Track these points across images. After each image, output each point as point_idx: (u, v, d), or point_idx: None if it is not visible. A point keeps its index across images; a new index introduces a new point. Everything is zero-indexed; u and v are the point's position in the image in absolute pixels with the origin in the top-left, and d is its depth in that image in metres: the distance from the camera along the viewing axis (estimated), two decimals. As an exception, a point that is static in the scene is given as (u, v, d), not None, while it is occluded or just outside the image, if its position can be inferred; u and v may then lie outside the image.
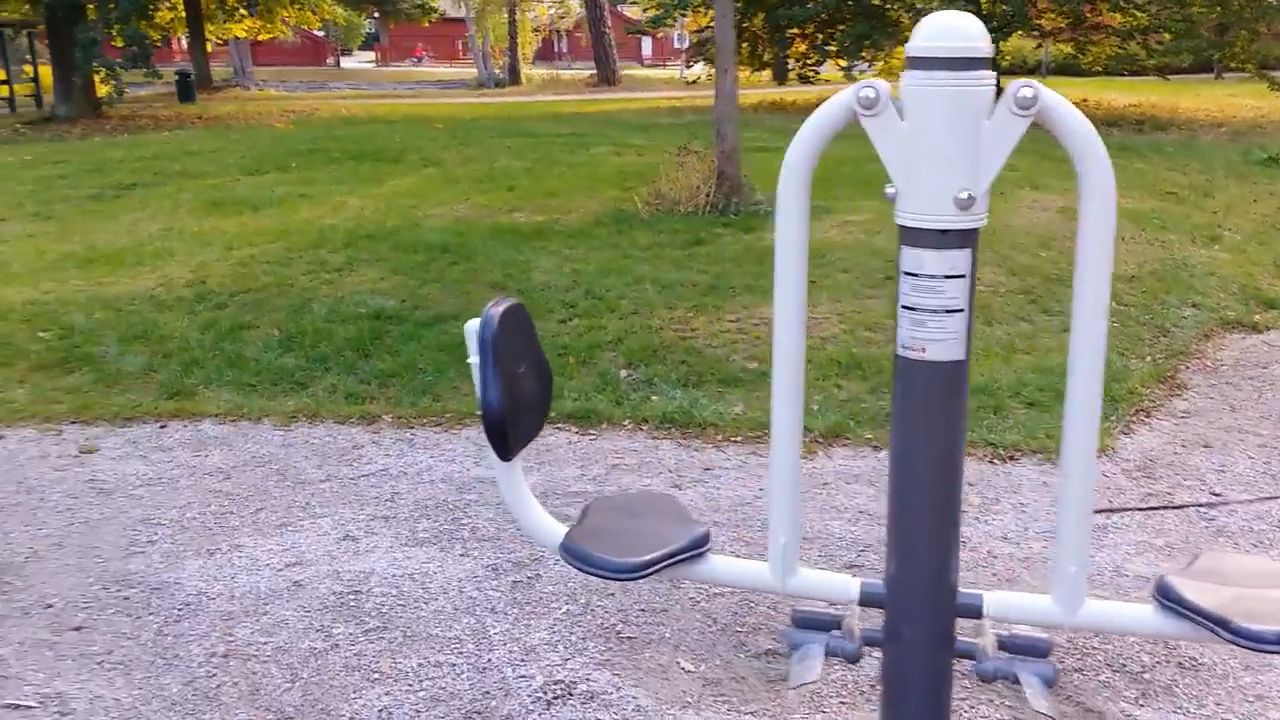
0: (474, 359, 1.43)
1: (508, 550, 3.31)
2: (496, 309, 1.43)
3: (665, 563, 1.44)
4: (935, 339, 1.28)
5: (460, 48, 55.19)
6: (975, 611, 1.39)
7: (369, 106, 23.12)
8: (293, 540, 3.37)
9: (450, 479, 3.87)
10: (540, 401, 1.56)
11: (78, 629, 2.86)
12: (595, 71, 34.21)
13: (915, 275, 1.27)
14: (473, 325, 1.44)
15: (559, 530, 1.54)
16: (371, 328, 5.45)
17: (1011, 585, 3.02)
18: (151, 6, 21.19)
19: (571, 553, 1.46)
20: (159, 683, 2.63)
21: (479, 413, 1.44)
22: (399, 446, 4.20)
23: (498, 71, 37.04)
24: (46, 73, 25.25)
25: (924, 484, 1.35)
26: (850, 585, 1.45)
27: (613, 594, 3.01)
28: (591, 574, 1.45)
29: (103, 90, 19.54)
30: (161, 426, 4.34)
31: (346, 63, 55.33)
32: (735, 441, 4.17)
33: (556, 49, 55.25)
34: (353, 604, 2.99)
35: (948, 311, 1.26)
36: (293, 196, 9.50)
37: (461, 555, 3.28)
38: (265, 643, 2.80)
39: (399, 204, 8.94)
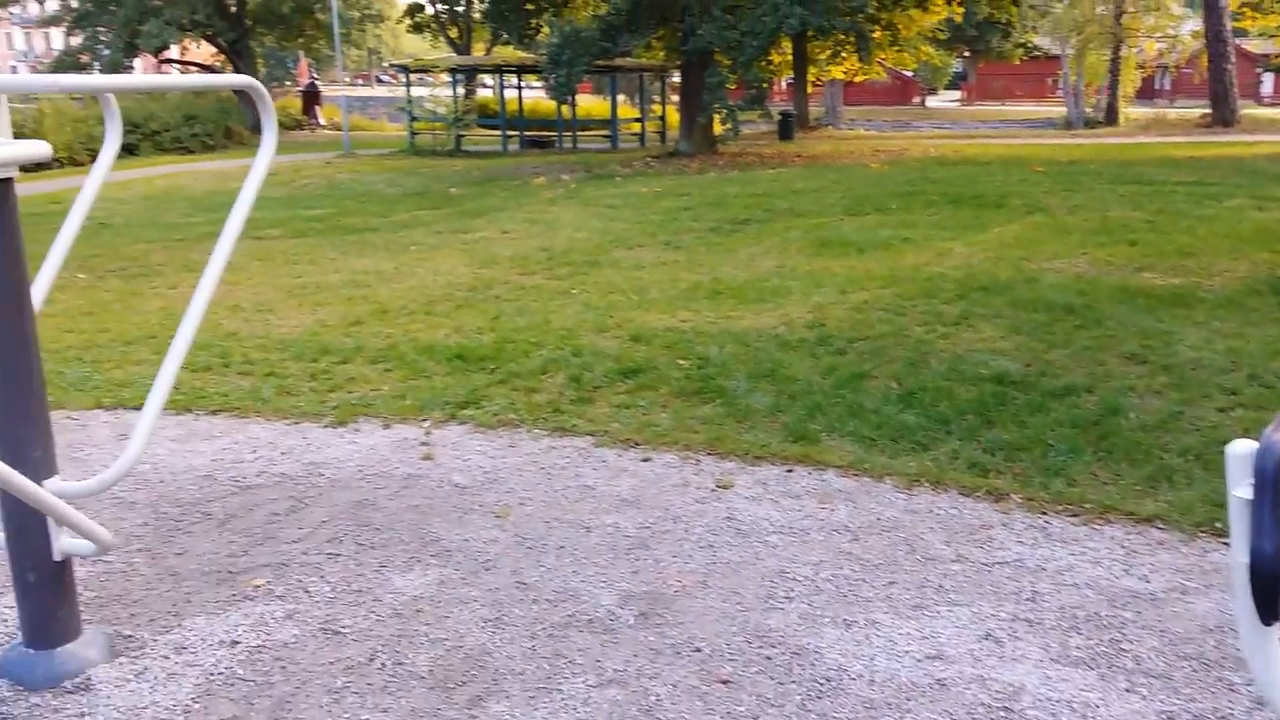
0: (1241, 493, 1.11)
1: (1185, 696, 2.79)
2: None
3: None
4: None
5: (1049, 86, 52.83)
6: None
7: (958, 146, 22.77)
8: (931, 628, 3.14)
9: (1098, 586, 3.41)
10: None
11: (725, 682, 2.87)
12: (1208, 111, 30.68)
13: None
14: (1242, 449, 1.10)
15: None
16: (994, 392, 5.12)
17: None
18: (771, 52, 22.70)
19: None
20: (807, 764, 2.52)
21: (1245, 561, 1.10)
22: (1032, 534, 3.81)
23: (1089, 110, 34.72)
24: (670, 111, 28.26)
25: None
26: None
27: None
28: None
29: (719, 129, 21.32)
30: (788, 470, 4.37)
31: (932, 102, 55.46)
32: None
33: (1158, 86, 50.71)
34: (1005, 721, 2.68)
35: None
36: (896, 240, 9.46)
37: (1126, 690, 2.82)
38: (913, 746, 2.59)
39: (1008, 254, 8.50)
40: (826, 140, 27.18)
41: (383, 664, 2.97)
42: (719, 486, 4.22)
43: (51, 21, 40.52)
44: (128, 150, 29.46)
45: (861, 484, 4.25)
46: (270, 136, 3.24)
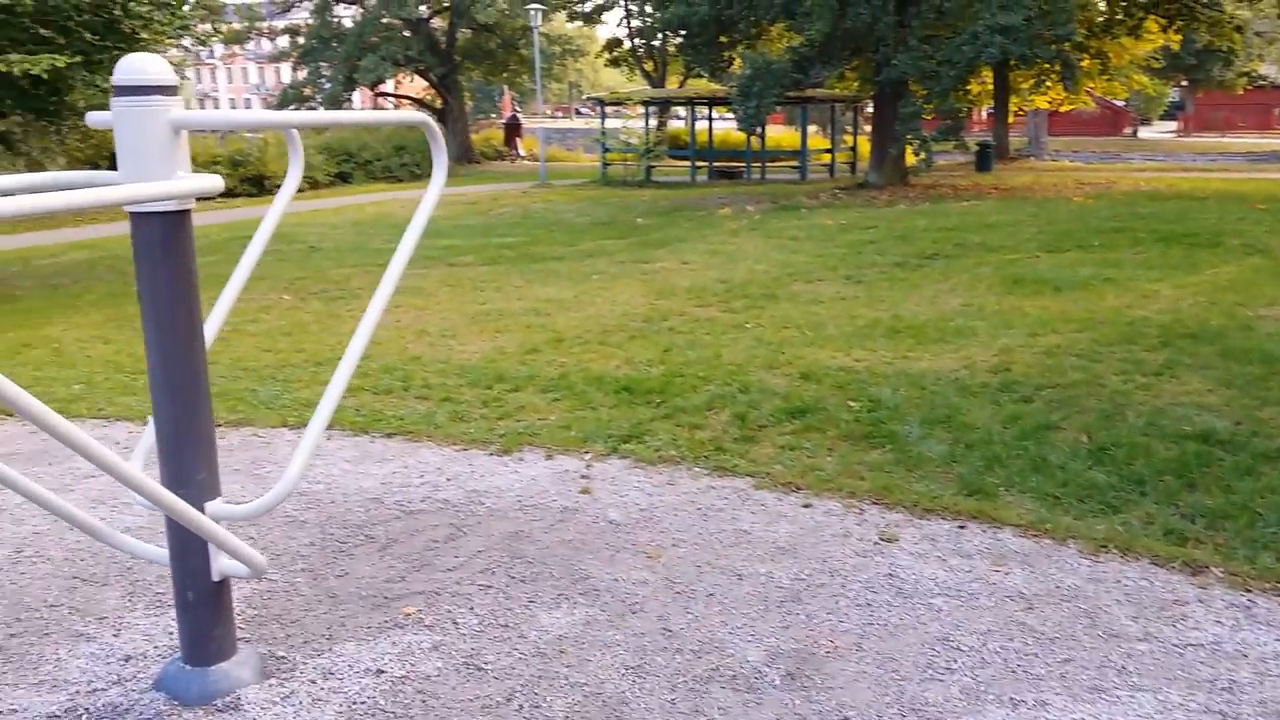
0: None
1: None
2: None
3: None
4: None
5: (1275, 117, 49.19)
6: None
7: (1172, 180, 21.36)
8: (1108, 714, 2.84)
9: (1311, 679, 3.01)
10: None
11: (874, 756, 2.68)
12: None
13: None
14: None
15: None
16: (1197, 452, 4.68)
17: None
18: (970, 81, 22.03)
19: None
20: None
21: None
22: (1233, 614, 3.42)
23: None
24: (862, 142, 27.82)
25: None
26: None
27: None
28: None
29: (911, 160, 20.78)
30: (960, 527, 4.10)
31: (1144, 133, 52.50)
32: None
33: None
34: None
35: None
36: (1096, 280, 8.90)
37: (1342, 806, 2.47)
38: None
39: (1221, 298, 7.85)
40: (1027, 172, 26.05)
41: (520, 705, 2.92)
42: (882, 540, 4.00)
43: (281, 57, 43.73)
44: (341, 178, 31.35)
45: (1041, 546, 3.94)
46: (440, 170, 3.29)
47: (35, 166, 15.27)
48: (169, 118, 2.63)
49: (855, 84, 27.62)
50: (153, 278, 2.74)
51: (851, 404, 5.57)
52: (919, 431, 5.10)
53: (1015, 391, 5.63)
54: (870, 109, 26.33)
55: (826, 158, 29.91)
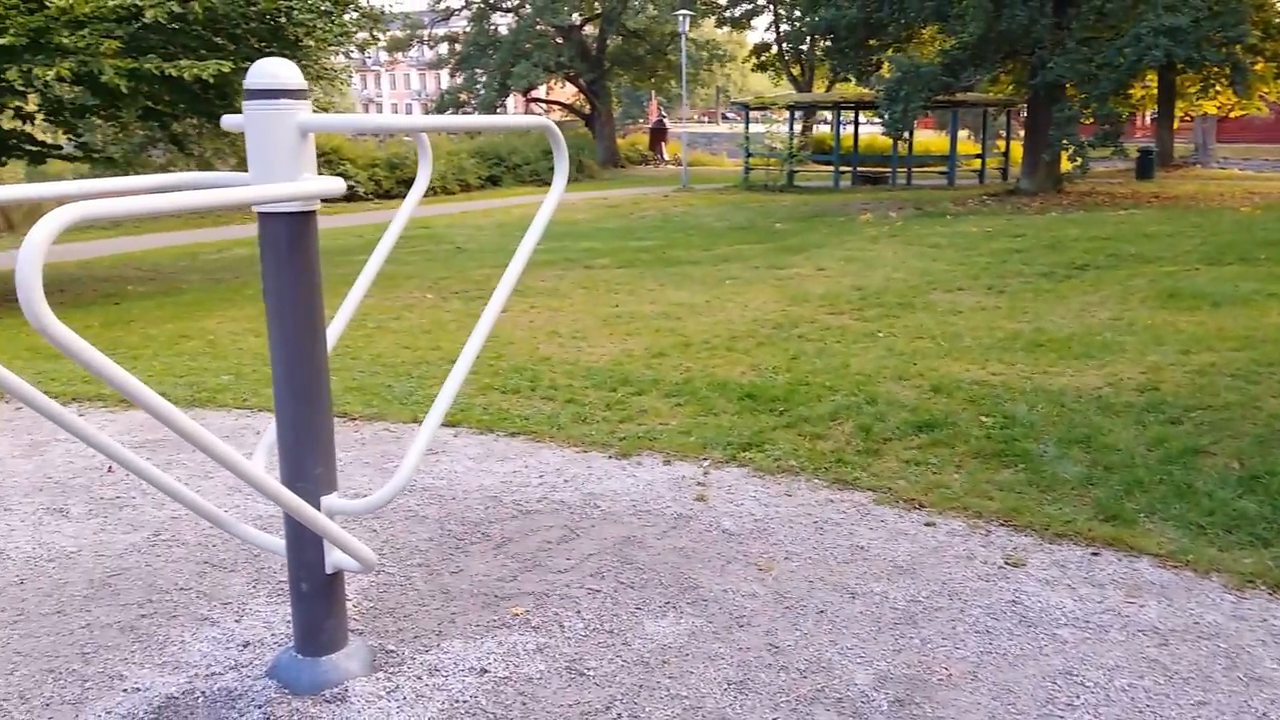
0: None
1: None
2: None
3: None
4: None
5: None
6: None
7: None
8: (1246, 765, 2.64)
9: None
10: None
11: (982, 791, 2.55)
12: None
13: None
14: None
15: None
16: (1365, 483, 4.31)
17: None
18: (1130, 85, 21.01)
19: None
20: None
21: None
22: (1398, 664, 3.14)
23: None
24: (1014, 148, 26.89)
25: None
26: None
27: None
28: None
29: (1066, 166, 19.97)
30: (1094, 554, 3.89)
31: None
32: None
33: None
34: None
35: None
36: (1260, 295, 8.35)
37: None
38: None
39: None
40: (1191, 180, 24.71)
41: (618, 714, 2.90)
42: (1008, 563, 3.82)
43: (440, 64, 45.20)
44: (492, 181, 32.16)
45: (1181, 578, 3.69)
46: (561, 175, 3.29)
47: (205, 166, 16.11)
48: (296, 120, 2.70)
49: (1009, 87, 26.74)
50: (277, 277, 2.83)
51: (984, 419, 5.36)
52: (1055, 451, 4.87)
53: (1162, 412, 5.32)
54: (1024, 113, 25.44)
55: (976, 163, 29.06)
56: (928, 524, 4.18)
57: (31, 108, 13.05)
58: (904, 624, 3.37)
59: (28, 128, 13.28)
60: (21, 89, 10.44)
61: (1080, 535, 4.03)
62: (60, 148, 13.52)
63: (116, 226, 22.11)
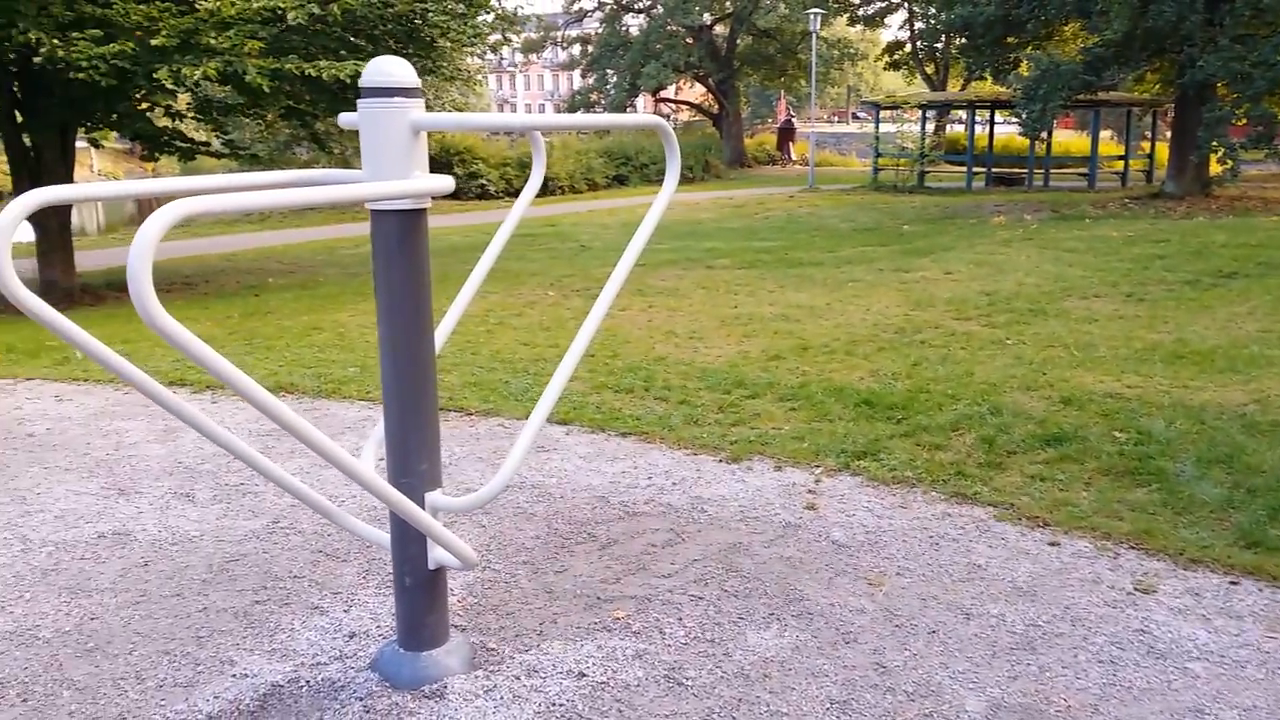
0: None
1: None
2: None
3: None
4: None
5: None
6: None
7: None
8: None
9: None
10: None
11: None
12: None
13: None
14: None
15: None
16: None
17: None
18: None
19: None
20: None
21: None
22: None
23: None
24: (1160, 149, 25.68)
25: None
26: None
27: None
28: None
29: (1215, 169, 18.97)
30: (1232, 583, 3.63)
31: None
32: None
33: None
34: None
35: None
36: None
37: None
38: None
39: None
40: (1359, 184, 23.16)
41: (715, 727, 2.83)
42: (1137, 589, 3.60)
43: (573, 65, 45.84)
44: (619, 180, 32.38)
45: (1330, 613, 3.42)
46: (673, 174, 3.25)
47: (342, 163, 16.65)
48: (409, 118, 2.72)
49: (1155, 86, 25.56)
50: (388, 273, 2.85)
51: (1117, 435, 5.09)
52: (1193, 471, 4.58)
53: (1315, 433, 4.96)
54: (1171, 113, 24.28)
55: (1119, 165, 27.85)
56: (1051, 544, 3.98)
57: (182, 106, 13.69)
58: (1021, 649, 3.21)
59: (179, 125, 13.93)
60: (171, 88, 10.93)
61: (1218, 562, 3.78)
62: (209, 145, 14.13)
63: (261, 221, 23.07)
